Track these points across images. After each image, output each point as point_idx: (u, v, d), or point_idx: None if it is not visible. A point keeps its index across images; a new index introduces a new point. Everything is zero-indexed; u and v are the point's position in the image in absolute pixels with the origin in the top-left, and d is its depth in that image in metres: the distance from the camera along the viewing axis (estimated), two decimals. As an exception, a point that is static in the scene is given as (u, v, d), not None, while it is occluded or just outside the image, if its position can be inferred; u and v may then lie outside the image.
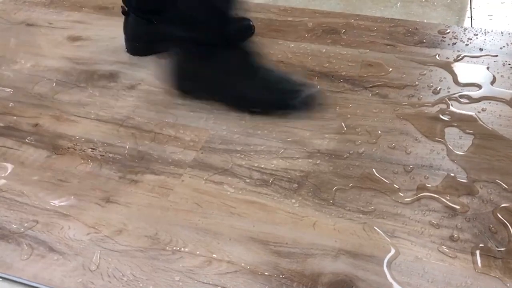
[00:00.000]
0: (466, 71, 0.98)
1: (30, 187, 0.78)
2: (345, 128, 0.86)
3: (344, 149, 0.83)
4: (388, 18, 1.17)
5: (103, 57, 1.08)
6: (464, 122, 0.86)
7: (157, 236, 0.70)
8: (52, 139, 0.87)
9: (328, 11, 1.21)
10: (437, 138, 0.83)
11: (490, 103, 0.90)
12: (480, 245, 0.67)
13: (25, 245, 0.70)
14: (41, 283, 0.65)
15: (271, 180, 0.78)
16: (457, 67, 1.00)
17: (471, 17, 1.19)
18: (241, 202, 0.75)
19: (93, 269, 0.66)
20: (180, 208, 0.74)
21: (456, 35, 1.09)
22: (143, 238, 0.70)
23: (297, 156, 0.82)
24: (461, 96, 0.92)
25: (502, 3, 1.25)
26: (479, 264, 0.65)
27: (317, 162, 0.80)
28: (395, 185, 0.76)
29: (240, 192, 0.76)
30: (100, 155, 0.84)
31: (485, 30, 1.11)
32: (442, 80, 0.96)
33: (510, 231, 0.68)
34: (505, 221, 0.70)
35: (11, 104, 0.96)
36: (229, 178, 0.78)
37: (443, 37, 1.09)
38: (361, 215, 0.72)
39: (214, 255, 0.67)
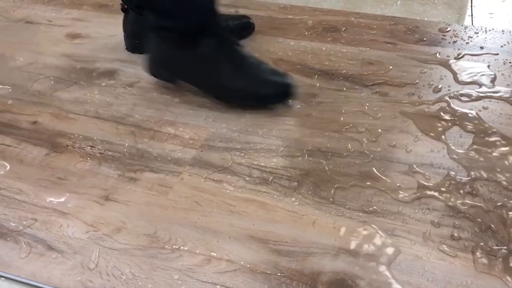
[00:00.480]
0: (466, 69, 0.98)
1: (29, 185, 0.78)
2: (345, 127, 0.86)
3: (344, 147, 0.82)
4: (389, 16, 1.17)
5: (102, 54, 1.08)
6: (464, 120, 0.86)
7: (156, 234, 0.70)
8: (51, 137, 0.87)
9: (329, 9, 1.21)
10: (437, 137, 0.83)
11: (490, 101, 0.90)
12: (481, 244, 0.67)
13: (23, 243, 0.69)
14: (40, 281, 0.65)
15: (271, 178, 0.78)
16: (458, 65, 0.99)
17: (472, 15, 1.19)
18: (241, 200, 0.74)
19: (92, 267, 0.66)
20: (179, 206, 0.74)
21: (457, 33, 1.09)
22: (142, 236, 0.70)
23: (297, 154, 0.81)
24: (462, 95, 0.92)
25: (503, 1, 1.25)
26: (480, 263, 0.64)
27: (317, 161, 0.80)
28: (395, 184, 0.76)
29: (239, 190, 0.76)
30: (99, 153, 0.83)
31: (485, 28, 1.10)
32: (442, 79, 0.96)
33: (510, 230, 0.68)
34: (506, 220, 0.69)
35: (10, 101, 0.96)
36: (229, 176, 0.78)
37: (443, 35, 1.09)
38: (361, 214, 0.71)
39: (213, 254, 0.67)
